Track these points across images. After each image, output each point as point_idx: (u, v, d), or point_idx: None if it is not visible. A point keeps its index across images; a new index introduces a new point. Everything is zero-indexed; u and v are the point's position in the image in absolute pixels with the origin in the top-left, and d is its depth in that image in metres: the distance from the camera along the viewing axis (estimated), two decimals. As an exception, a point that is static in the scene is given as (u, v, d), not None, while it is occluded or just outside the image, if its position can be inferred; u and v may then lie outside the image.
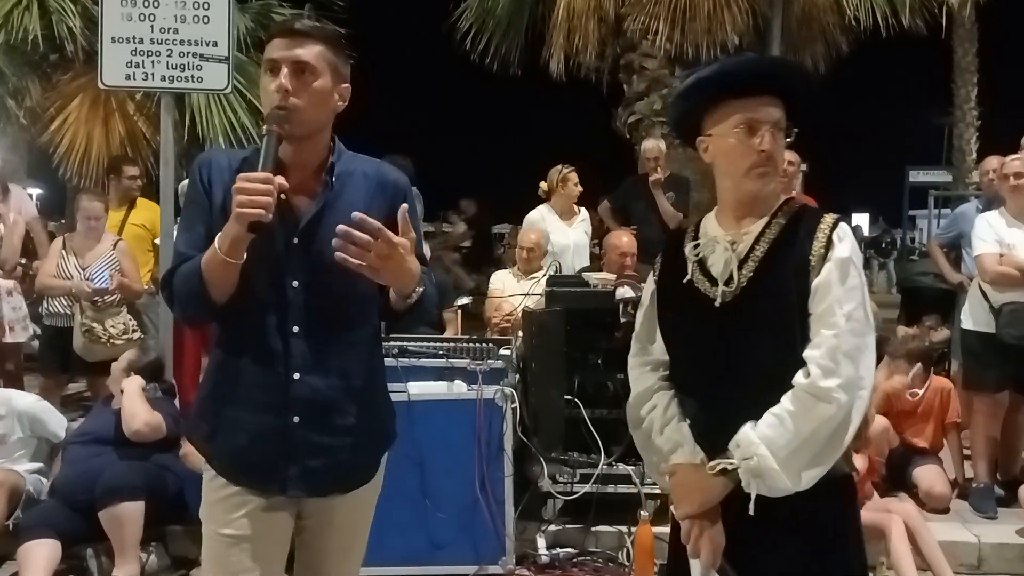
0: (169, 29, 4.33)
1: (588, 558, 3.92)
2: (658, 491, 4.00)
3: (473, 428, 3.74)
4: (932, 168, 15.00)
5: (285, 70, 1.83)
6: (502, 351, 4.00)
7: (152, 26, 4.33)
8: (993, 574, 3.97)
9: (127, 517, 3.57)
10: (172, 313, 1.95)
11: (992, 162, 5.43)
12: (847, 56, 8.85)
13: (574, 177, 6.01)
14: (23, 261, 5.37)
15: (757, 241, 1.84)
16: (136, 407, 3.83)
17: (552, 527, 4.02)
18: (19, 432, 4.07)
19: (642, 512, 3.76)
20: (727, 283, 1.83)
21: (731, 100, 1.82)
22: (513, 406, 3.82)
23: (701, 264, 1.89)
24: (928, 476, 4.39)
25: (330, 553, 2.05)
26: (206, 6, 4.34)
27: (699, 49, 7.66)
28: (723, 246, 1.86)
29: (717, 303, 1.83)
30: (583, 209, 6.16)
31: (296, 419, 1.89)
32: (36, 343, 5.56)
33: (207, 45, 4.35)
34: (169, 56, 4.34)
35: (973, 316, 4.54)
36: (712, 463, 1.79)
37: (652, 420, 1.94)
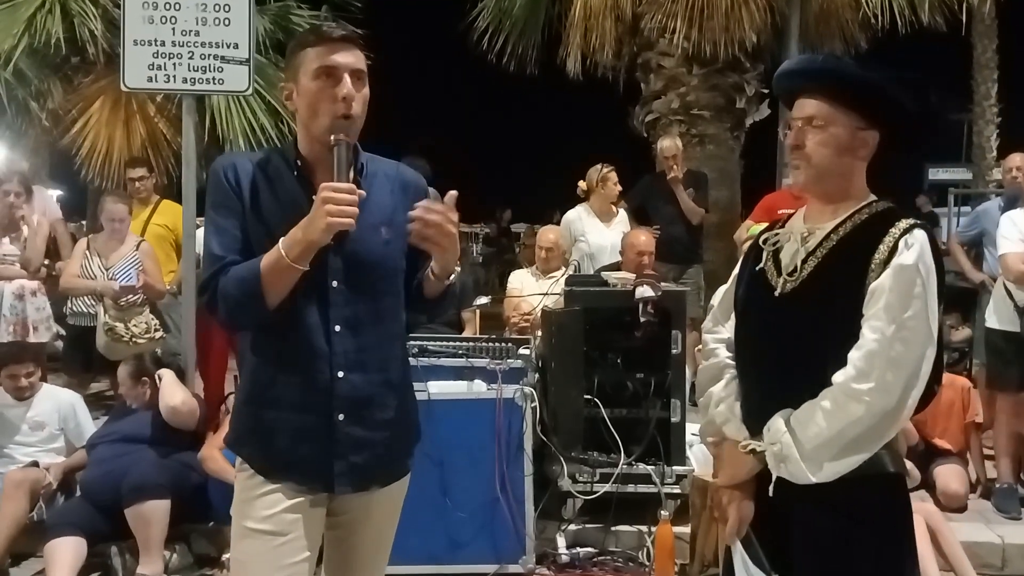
0: (190, 32, 4.37)
1: (608, 557, 3.92)
2: (678, 491, 4.01)
3: (493, 427, 3.75)
4: (952, 166, 14.82)
5: (348, 78, 1.87)
6: (521, 351, 4.01)
7: (173, 28, 4.37)
8: (1017, 575, 3.94)
9: (153, 515, 3.61)
10: (215, 318, 1.92)
11: (1015, 159, 5.38)
12: (865, 53, 8.77)
13: (614, 177, 5.97)
14: (47, 262, 5.43)
15: (828, 236, 1.88)
16: (175, 388, 4.00)
17: (572, 526, 4.03)
18: (55, 425, 4.23)
19: (662, 511, 3.77)
20: (790, 274, 1.89)
21: (797, 98, 1.92)
22: (533, 405, 3.83)
23: (775, 254, 1.96)
24: (945, 474, 4.36)
25: (364, 548, 2.08)
26: (227, 8, 4.37)
27: (716, 47, 7.61)
28: (795, 238, 1.93)
29: (777, 292, 1.90)
30: (622, 210, 6.12)
31: (341, 416, 1.92)
32: (60, 343, 5.63)
33: (228, 47, 4.39)
34: (190, 58, 4.38)
35: (998, 315, 4.51)
36: (743, 442, 1.91)
37: (712, 394, 2.04)
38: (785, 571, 1.87)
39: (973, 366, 5.52)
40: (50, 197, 6.40)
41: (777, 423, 1.82)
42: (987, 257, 5.22)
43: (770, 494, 1.84)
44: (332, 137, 1.85)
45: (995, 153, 11.33)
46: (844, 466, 1.77)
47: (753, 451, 1.87)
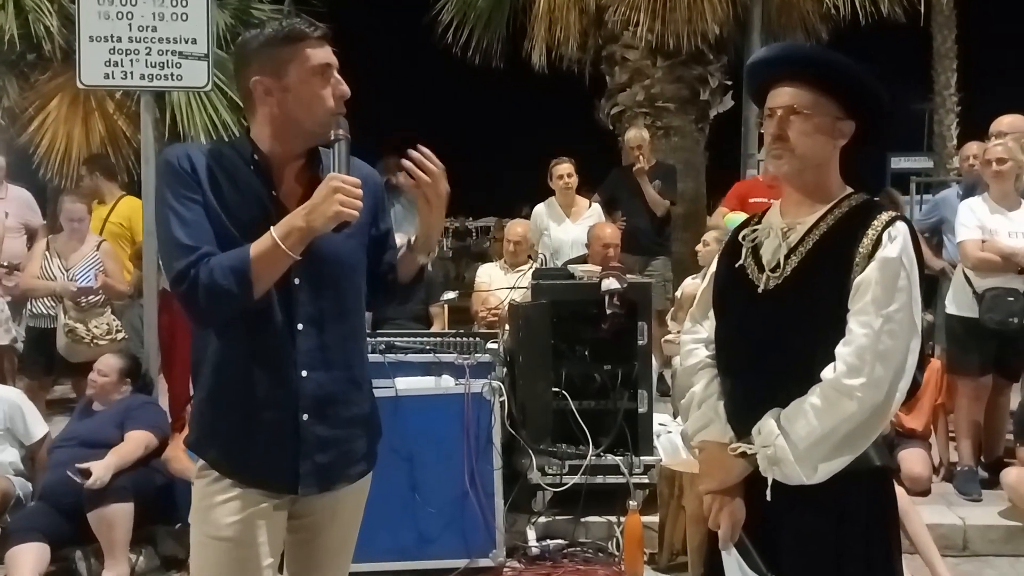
0: (147, 27, 4.30)
1: (578, 549, 3.93)
2: (647, 481, 4.03)
3: (461, 422, 3.74)
4: (913, 154, 15.05)
5: (338, 76, 1.88)
6: (489, 345, 4.01)
7: (130, 24, 4.30)
8: (978, 555, 4.02)
9: (116, 518, 3.56)
10: (190, 311, 1.83)
11: (972, 148, 5.46)
12: (827, 44, 8.88)
13: (557, 170, 6.00)
14: (7, 263, 5.33)
15: (810, 232, 1.85)
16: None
17: (542, 519, 4.04)
18: (1, 423, 4.01)
19: (631, 502, 3.79)
20: (773, 270, 1.86)
21: (772, 87, 1.88)
22: (501, 399, 3.82)
23: (755, 250, 1.92)
24: (909, 458, 4.42)
25: (329, 548, 2.05)
26: (184, 3, 4.31)
27: (680, 40, 7.67)
28: (776, 233, 1.89)
29: (760, 289, 1.87)
30: (595, 204, 6.11)
31: (306, 416, 1.89)
32: (21, 345, 5.52)
33: (186, 43, 4.32)
34: (148, 54, 4.31)
35: (957, 301, 4.58)
36: (733, 445, 1.85)
37: (693, 395, 2.00)
38: (778, 572, 1.83)
39: (934, 352, 5.60)
40: (30, 199, 6.16)
41: (769, 424, 1.79)
42: (946, 244, 5.31)
43: (768, 498, 1.79)
44: (333, 133, 1.86)
45: (955, 142, 11.47)
46: (837, 465, 1.75)
47: (744, 454, 1.83)
